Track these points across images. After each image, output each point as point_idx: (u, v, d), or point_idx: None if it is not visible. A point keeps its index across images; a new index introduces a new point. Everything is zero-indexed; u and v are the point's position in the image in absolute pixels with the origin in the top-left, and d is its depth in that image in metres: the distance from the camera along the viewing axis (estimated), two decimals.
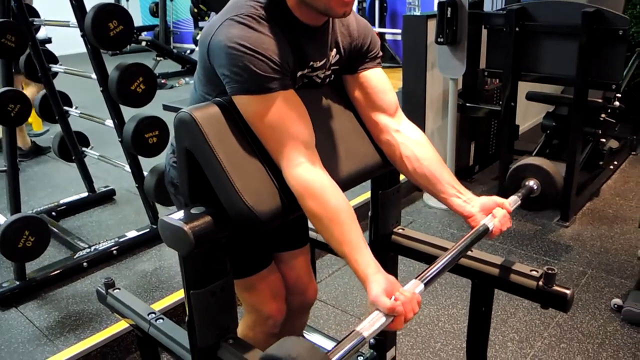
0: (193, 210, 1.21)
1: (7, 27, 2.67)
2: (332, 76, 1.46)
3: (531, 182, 1.58)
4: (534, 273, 1.42)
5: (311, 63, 1.36)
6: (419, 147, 1.46)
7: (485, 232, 1.36)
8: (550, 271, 1.38)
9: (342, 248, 1.19)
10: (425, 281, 1.17)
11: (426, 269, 1.20)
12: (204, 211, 1.21)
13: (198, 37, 5.24)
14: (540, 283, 1.39)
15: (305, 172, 1.21)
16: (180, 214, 1.21)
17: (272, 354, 0.93)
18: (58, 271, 2.85)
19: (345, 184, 1.39)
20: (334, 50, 1.41)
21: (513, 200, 1.49)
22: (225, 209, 1.20)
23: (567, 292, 1.36)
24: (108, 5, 2.63)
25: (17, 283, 2.72)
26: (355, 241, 1.19)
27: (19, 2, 2.90)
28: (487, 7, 4.33)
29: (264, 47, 1.20)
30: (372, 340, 1.83)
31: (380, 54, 1.51)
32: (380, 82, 1.48)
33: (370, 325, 1.05)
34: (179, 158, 1.31)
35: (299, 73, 1.35)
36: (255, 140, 1.24)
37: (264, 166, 1.23)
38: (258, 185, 1.21)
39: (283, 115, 1.23)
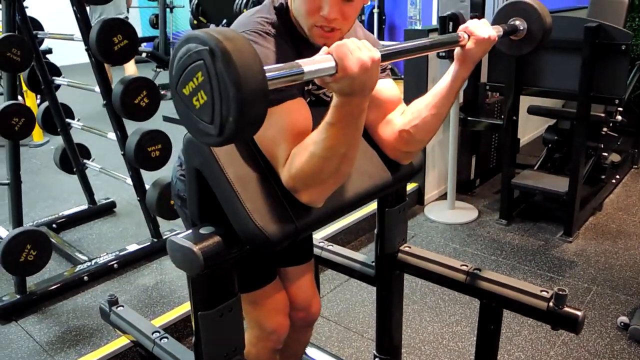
0: (202, 231, 1.20)
1: (13, 41, 2.67)
2: None
3: (517, 22, 1.48)
4: (544, 294, 1.41)
5: None
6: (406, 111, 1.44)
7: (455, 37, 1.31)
8: (561, 292, 1.37)
9: (334, 144, 1.12)
10: (385, 53, 1.09)
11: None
12: (213, 231, 1.20)
13: None
14: (551, 304, 1.38)
15: None
16: (189, 234, 1.20)
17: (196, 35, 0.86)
18: (58, 285, 2.82)
19: (355, 203, 1.38)
20: None
21: (495, 28, 1.41)
22: (235, 229, 1.19)
23: (579, 313, 1.35)
24: (113, 20, 2.64)
25: (18, 297, 2.70)
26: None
27: (23, 16, 2.90)
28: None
29: (267, 63, 1.19)
30: None
31: (389, 66, 1.50)
32: (390, 91, 1.46)
33: (313, 63, 0.98)
34: (189, 177, 1.30)
35: (306, 88, 1.35)
36: (265, 160, 1.23)
37: (275, 187, 1.22)
38: (268, 206, 1.19)
39: (284, 122, 1.19)
